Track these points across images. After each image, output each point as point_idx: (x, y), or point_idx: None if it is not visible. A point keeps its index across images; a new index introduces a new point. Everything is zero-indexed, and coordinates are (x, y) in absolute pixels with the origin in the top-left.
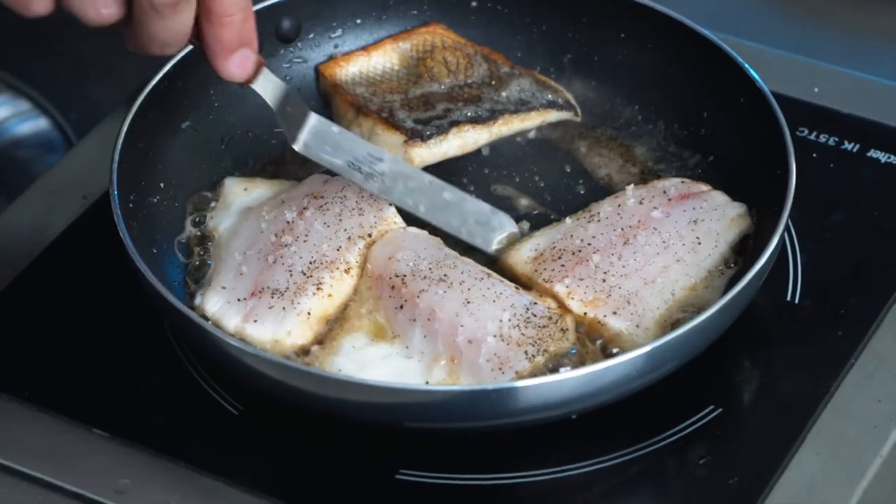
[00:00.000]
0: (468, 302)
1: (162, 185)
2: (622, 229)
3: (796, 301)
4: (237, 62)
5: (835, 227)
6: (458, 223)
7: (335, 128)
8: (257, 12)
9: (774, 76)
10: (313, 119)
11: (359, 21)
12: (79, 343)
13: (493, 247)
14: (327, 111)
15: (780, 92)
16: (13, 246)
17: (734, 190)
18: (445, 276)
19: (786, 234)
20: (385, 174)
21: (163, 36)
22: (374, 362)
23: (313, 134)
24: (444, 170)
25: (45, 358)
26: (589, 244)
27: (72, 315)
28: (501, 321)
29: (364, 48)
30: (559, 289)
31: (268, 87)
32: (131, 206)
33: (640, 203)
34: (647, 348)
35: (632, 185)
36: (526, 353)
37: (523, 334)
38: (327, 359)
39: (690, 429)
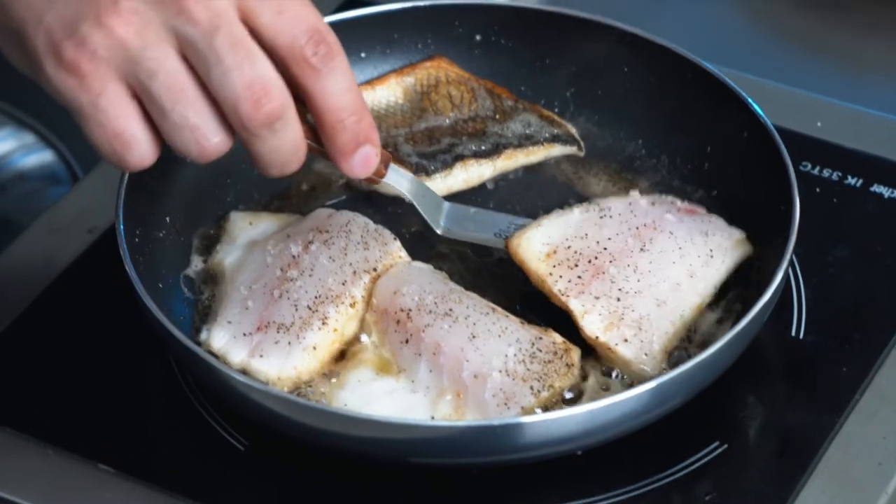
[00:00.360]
0: (474, 336)
1: (168, 219)
2: (637, 228)
3: (801, 336)
4: (359, 162)
5: (839, 262)
6: None
7: (471, 209)
8: None
9: (777, 110)
10: (447, 205)
11: (363, 55)
12: (84, 378)
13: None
14: None
15: (783, 126)
16: (19, 280)
17: (738, 224)
18: (451, 310)
19: (790, 269)
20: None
21: (273, 158)
22: (379, 397)
23: (451, 217)
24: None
25: (50, 393)
26: (605, 248)
27: (77, 350)
28: (507, 356)
29: (369, 82)
30: (574, 305)
31: (400, 180)
32: (137, 240)
33: (653, 205)
34: (653, 384)
35: (636, 190)
36: (531, 388)
37: (528, 369)
38: (333, 393)
39: (696, 465)
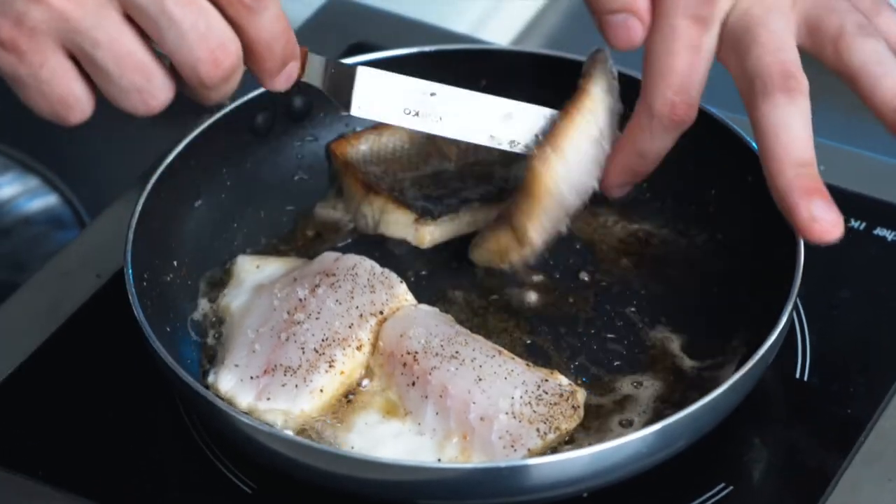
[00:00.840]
0: (480, 379)
1: (175, 263)
2: None
3: (805, 378)
4: (283, 78)
5: (842, 304)
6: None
7: (383, 75)
8: (268, 93)
9: None
10: (360, 74)
11: None
12: (92, 421)
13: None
14: (338, 189)
15: None
16: (27, 324)
17: (742, 267)
18: (457, 352)
19: (794, 312)
20: (441, 110)
21: (218, 96)
22: (386, 440)
23: (363, 93)
24: (453, 248)
25: (58, 436)
26: None
27: (85, 393)
28: (513, 398)
29: (374, 126)
30: None
31: (313, 73)
32: (145, 284)
33: None
34: (658, 426)
35: None
36: (538, 430)
37: (535, 411)
38: (341, 436)
39: None
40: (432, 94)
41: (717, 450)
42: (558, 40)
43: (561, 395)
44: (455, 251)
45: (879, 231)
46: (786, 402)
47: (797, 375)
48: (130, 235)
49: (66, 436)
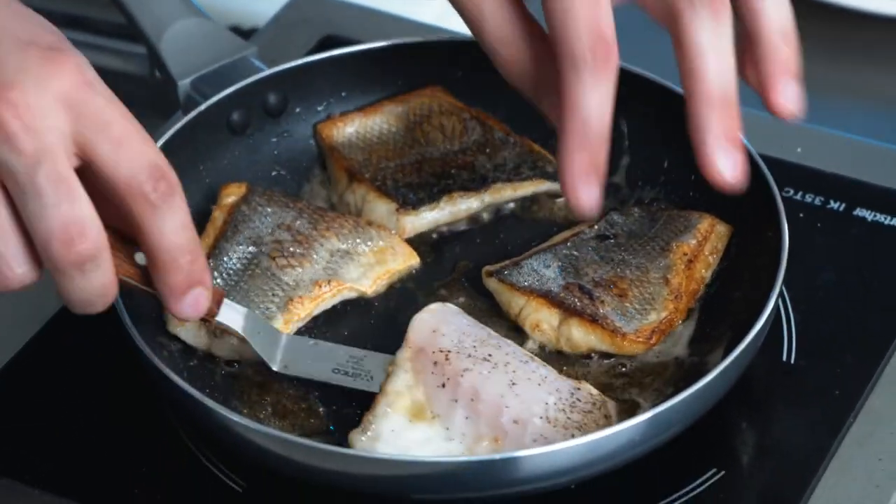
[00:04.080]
0: (513, 384)
1: None
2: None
3: (792, 361)
4: (190, 304)
5: (826, 286)
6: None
7: (309, 341)
8: (245, 86)
9: (758, 137)
10: (284, 338)
11: (344, 94)
12: (78, 423)
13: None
14: (323, 172)
15: (765, 153)
16: (11, 324)
17: (728, 255)
18: (490, 355)
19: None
20: (371, 370)
21: (80, 296)
22: (414, 446)
23: (289, 352)
24: (432, 239)
25: (43, 437)
26: None
27: (70, 394)
28: (547, 404)
29: (362, 108)
30: None
31: (233, 316)
32: None
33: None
34: (649, 414)
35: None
36: (573, 436)
37: (569, 418)
38: (369, 446)
39: (694, 492)
40: (363, 358)
41: (707, 435)
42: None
43: (594, 405)
44: (434, 242)
45: (859, 212)
46: (774, 385)
47: (784, 359)
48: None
49: (51, 437)
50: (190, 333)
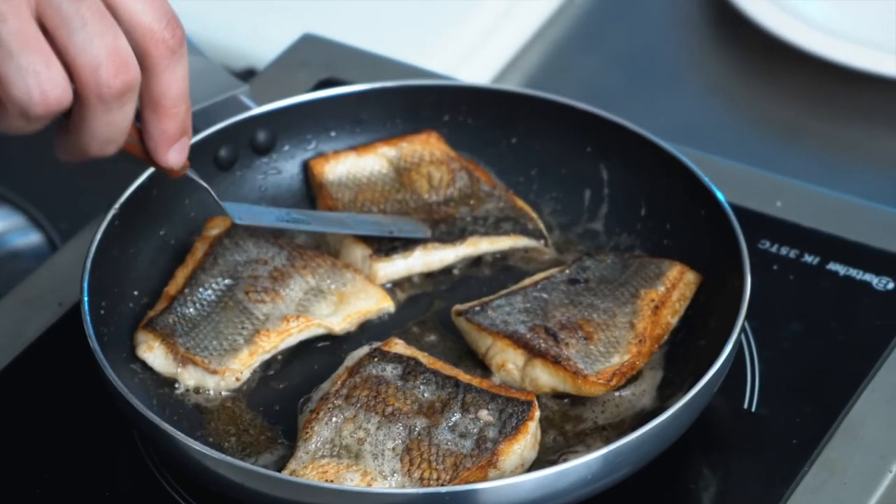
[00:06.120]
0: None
1: (136, 292)
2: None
3: (753, 409)
4: (177, 150)
5: (793, 337)
6: (388, 227)
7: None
8: (233, 124)
9: (738, 190)
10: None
11: (333, 133)
12: (48, 450)
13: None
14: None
15: (744, 205)
16: None
17: (696, 300)
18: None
19: (745, 344)
20: (310, 220)
21: (105, 132)
22: None
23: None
24: (411, 287)
25: (14, 465)
26: None
27: (43, 421)
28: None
29: (355, 148)
30: None
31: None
32: (102, 312)
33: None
34: (603, 451)
35: None
36: None
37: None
38: None
39: None
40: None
41: (665, 478)
42: (537, 80)
43: None
44: (411, 290)
45: (832, 266)
46: (734, 431)
47: (745, 406)
48: (88, 264)
49: (22, 464)
50: (158, 360)
